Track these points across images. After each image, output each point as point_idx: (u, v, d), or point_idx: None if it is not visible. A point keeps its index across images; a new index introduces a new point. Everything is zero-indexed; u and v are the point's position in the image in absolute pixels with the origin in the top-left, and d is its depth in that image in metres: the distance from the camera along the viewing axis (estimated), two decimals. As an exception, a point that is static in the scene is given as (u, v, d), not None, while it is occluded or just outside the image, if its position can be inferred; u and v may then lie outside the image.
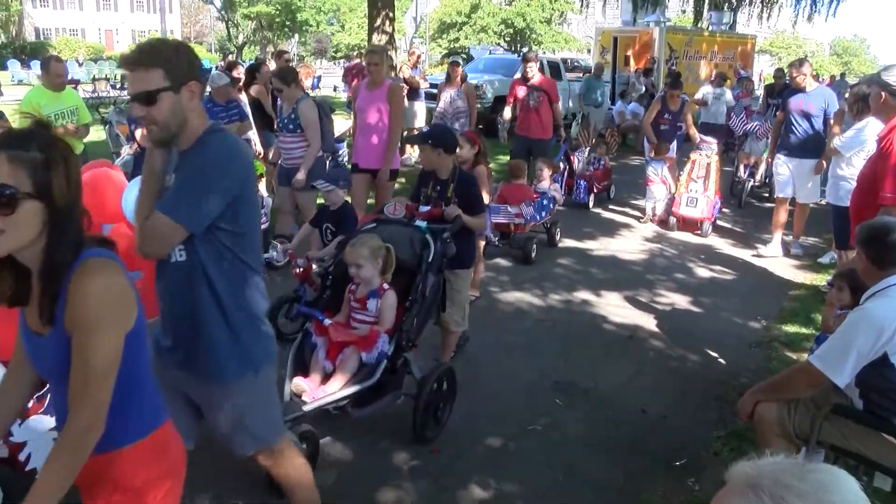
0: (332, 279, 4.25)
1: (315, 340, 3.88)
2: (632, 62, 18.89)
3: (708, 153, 9.18)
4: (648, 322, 6.15)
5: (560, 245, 8.42)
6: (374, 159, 6.85)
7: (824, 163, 7.50)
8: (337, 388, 3.66)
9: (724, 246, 8.67)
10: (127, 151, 7.15)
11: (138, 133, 6.62)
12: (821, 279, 7.21)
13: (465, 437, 4.21)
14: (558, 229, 8.39)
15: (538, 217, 7.85)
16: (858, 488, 1.10)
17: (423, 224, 4.29)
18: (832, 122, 7.54)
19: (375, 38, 13.06)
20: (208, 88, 7.40)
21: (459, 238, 4.45)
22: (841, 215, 6.03)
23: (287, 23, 54.67)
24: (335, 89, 32.41)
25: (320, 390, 3.66)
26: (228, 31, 57.46)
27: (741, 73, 16.88)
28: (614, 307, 6.46)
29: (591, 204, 10.33)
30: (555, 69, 19.76)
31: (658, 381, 5.04)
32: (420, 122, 13.09)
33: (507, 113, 9.89)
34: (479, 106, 17.22)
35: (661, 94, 10.17)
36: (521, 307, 6.41)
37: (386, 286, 3.97)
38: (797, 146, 7.81)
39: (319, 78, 31.44)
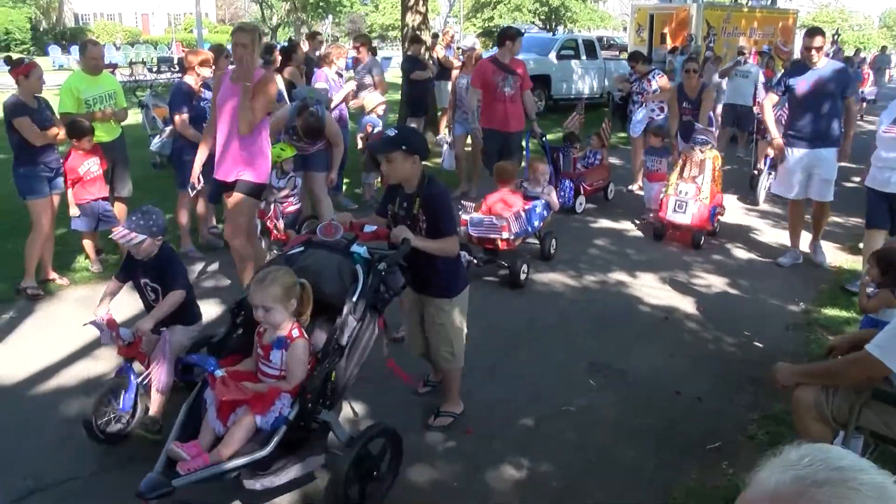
0: (245, 313, 3.47)
1: (208, 395, 3.23)
2: (668, 40, 18.60)
3: (703, 147, 7.77)
4: (684, 304, 6.08)
5: (594, 226, 8.35)
6: (233, 170, 5.29)
7: (849, 149, 6.68)
8: (223, 458, 3.00)
9: (763, 227, 8.52)
10: (166, 134, 7.23)
11: (177, 118, 6.70)
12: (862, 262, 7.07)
13: (499, 418, 4.22)
14: (553, 239, 7.11)
15: (529, 229, 6.65)
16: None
17: (360, 250, 3.51)
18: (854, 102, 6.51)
19: (409, 18, 13.01)
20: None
21: (442, 262, 3.78)
22: (889, 199, 5.77)
23: (321, 3, 54.67)
24: (369, 70, 32.33)
25: (200, 459, 2.96)
26: (263, 13, 57.63)
27: (764, 49, 15.98)
28: (650, 288, 6.40)
29: (578, 207, 8.89)
30: (590, 47, 19.58)
31: (693, 364, 5.00)
32: (454, 102, 13.04)
33: (472, 98, 8.39)
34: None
35: (679, 82, 9.19)
36: (556, 288, 6.38)
37: (296, 333, 3.24)
38: (809, 133, 6.61)
39: (354, 59, 31.34)
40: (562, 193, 8.55)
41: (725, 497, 3.44)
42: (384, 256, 3.49)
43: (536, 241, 7.05)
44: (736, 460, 3.84)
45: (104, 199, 6.30)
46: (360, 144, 8.76)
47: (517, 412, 4.29)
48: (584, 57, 19.18)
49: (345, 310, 3.28)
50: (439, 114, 12.57)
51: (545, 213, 6.96)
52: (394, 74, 27.44)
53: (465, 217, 6.42)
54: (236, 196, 5.31)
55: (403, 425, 4.05)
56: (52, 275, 6.20)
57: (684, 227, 7.63)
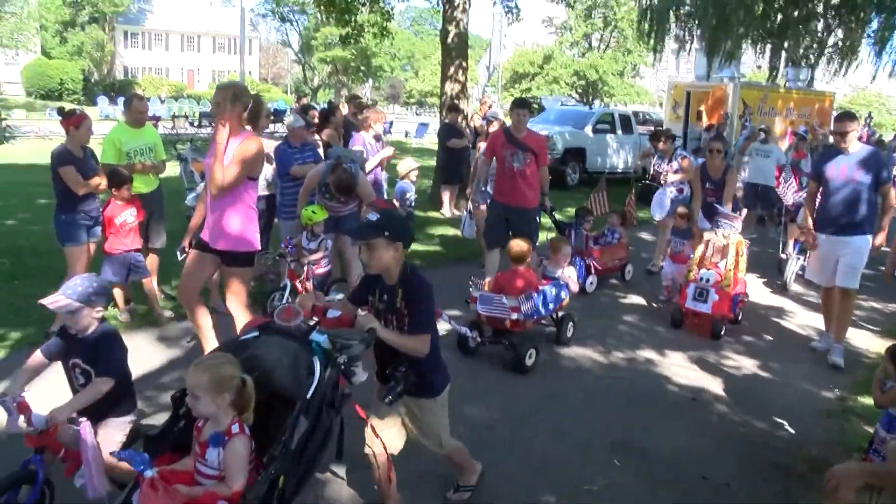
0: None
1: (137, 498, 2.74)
2: (704, 117, 18.69)
3: (726, 232, 7.38)
4: (713, 385, 5.96)
5: (625, 301, 8.26)
6: (220, 238, 5.01)
7: (883, 236, 6.45)
8: None
9: (796, 309, 8.37)
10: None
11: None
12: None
13: (519, 494, 4.12)
14: (571, 323, 6.76)
15: (543, 312, 6.27)
16: None
17: (321, 338, 3.14)
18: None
19: (448, 87, 13.24)
20: (284, 130, 7.60)
21: (424, 361, 3.40)
22: None
23: (362, 68, 56.05)
24: (406, 135, 32.94)
25: None
26: (304, 74, 59.27)
27: (800, 130, 15.67)
28: (678, 367, 6.28)
29: (589, 287, 8.46)
30: (626, 122, 19.74)
31: (721, 447, 4.86)
32: (489, 170, 13.14)
33: (482, 168, 8.11)
34: (549, 157, 17.37)
35: (701, 161, 8.73)
36: (583, 363, 6.29)
37: (236, 429, 2.83)
38: (838, 219, 6.39)
39: (391, 123, 32.01)
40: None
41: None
42: (346, 347, 3.11)
43: (552, 324, 6.74)
44: (764, 553, 3.69)
45: (137, 250, 6.38)
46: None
47: (537, 488, 4.18)
48: (619, 131, 19.34)
49: (297, 408, 2.90)
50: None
51: (563, 295, 6.60)
52: (430, 140, 27.90)
53: (475, 294, 6.18)
54: (228, 270, 5.11)
55: (420, 495, 3.98)
56: (82, 322, 6.26)
57: (704, 315, 7.21)
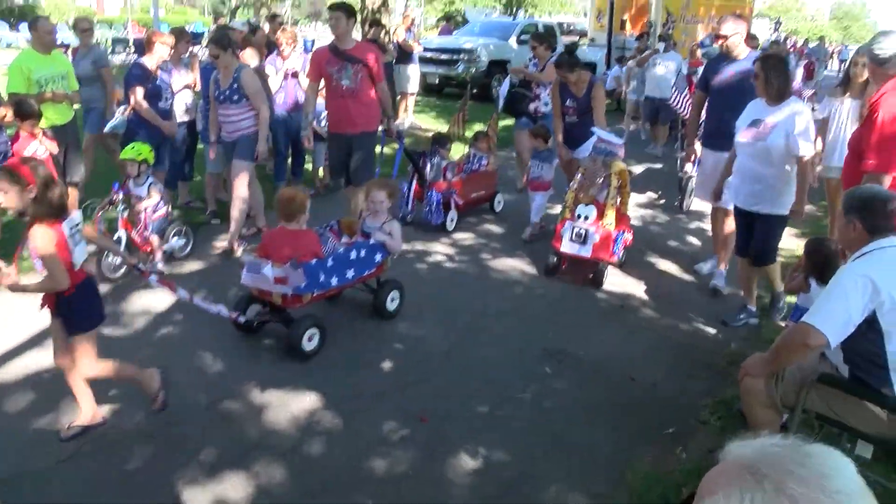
0: None
1: None
2: (628, 26, 18.70)
3: (606, 158, 6.30)
4: (640, 290, 6.14)
5: (551, 211, 8.14)
6: None
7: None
8: None
9: (706, 224, 8.56)
10: (120, 113, 7.08)
11: (133, 96, 6.57)
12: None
13: (454, 405, 4.22)
14: (397, 291, 5.34)
15: (333, 282, 4.85)
16: (856, 472, 1.05)
17: None
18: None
19: (369, 0, 12.92)
20: (206, 52, 7.35)
21: None
22: (748, 219, 5.28)
23: (280, -15, 53.93)
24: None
25: None
26: (221, -6, 56.73)
27: (704, 42, 14.28)
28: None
29: (449, 224, 7.36)
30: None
31: (649, 350, 5.06)
32: (413, 86, 12.99)
33: (310, 95, 6.58)
34: (472, 70, 17.22)
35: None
36: (512, 274, 6.39)
37: None
38: (725, 134, 5.51)
39: (314, 42, 31.11)
40: (428, 208, 7.25)
41: (678, 482, 3.49)
42: None
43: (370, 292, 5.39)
44: (689, 445, 3.90)
45: (54, 183, 6.15)
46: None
47: (472, 398, 4.29)
48: (544, 43, 19.20)
49: None
50: (398, 98, 12.52)
51: (376, 257, 5.19)
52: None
53: (243, 259, 4.97)
54: None
55: (359, 412, 4.05)
56: (-1, 261, 6.06)
57: (581, 260, 6.19)
